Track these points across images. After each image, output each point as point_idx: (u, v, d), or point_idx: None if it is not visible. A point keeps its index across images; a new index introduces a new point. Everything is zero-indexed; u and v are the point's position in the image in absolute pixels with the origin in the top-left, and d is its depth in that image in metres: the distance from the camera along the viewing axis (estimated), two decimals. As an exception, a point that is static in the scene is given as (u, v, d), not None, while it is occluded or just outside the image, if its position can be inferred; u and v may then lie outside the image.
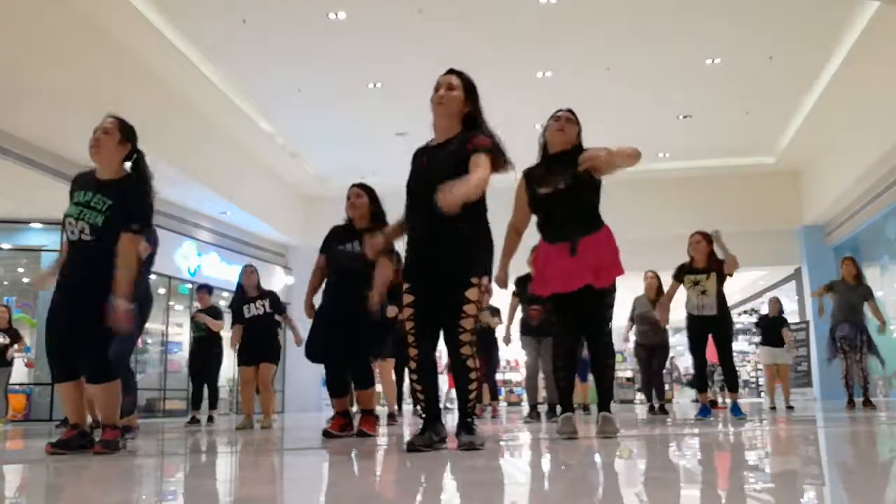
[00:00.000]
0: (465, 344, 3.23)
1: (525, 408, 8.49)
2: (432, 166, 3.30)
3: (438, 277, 3.25)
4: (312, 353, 4.72)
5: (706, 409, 6.52)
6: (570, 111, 4.03)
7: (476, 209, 3.28)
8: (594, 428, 3.94)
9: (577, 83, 11.16)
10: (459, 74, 3.40)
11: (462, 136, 3.32)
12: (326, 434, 4.55)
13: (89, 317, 3.43)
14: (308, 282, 4.91)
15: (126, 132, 3.63)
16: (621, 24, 9.86)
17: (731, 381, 6.47)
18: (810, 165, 14.76)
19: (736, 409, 6.31)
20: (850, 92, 11.46)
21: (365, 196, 4.73)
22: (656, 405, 8.16)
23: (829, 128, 12.84)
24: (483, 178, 3.14)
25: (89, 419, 4.10)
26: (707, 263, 6.39)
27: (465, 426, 3.22)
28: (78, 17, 8.91)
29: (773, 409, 9.09)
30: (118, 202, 3.50)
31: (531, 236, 4.06)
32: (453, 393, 7.96)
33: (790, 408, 9.12)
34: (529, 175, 3.98)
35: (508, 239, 4.05)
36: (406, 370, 7.05)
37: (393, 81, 11.19)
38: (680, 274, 6.51)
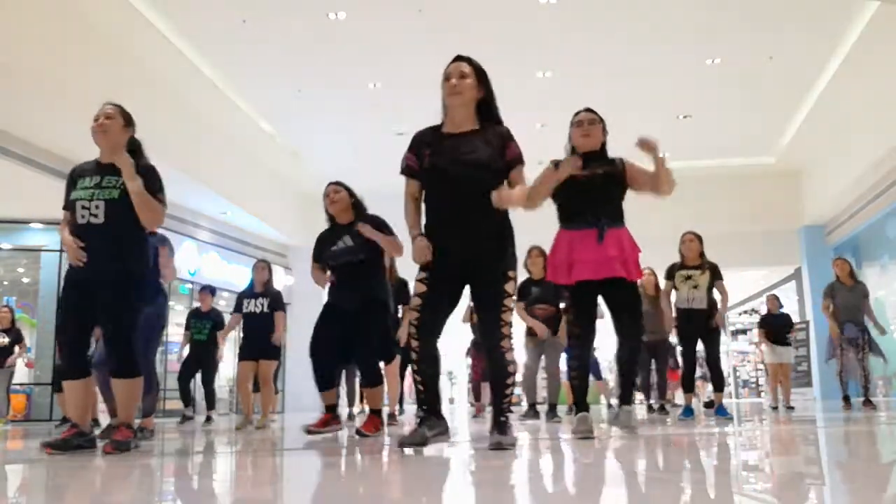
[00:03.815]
0: (505, 337, 3.20)
1: (524, 407, 8.47)
2: (465, 151, 3.23)
3: (463, 268, 3.21)
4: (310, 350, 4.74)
5: (689, 410, 6.50)
6: (588, 110, 4.01)
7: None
8: (598, 427, 3.94)
9: (577, 83, 11.15)
10: (469, 61, 3.34)
11: (495, 129, 3.32)
12: (309, 431, 4.56)
13: (107, 312, 3.45)
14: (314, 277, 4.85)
15: (127, 118, 3.70)
16: (621, 24, 9.85)
17: (717, 381, 6.41)
18: (810, 165, 14.75)
19: (721, 410, 6.29)
20: (850, 92, 11.45)
21: (343, 191, 4.77)
22: (656, 405, 8.13)
23: (829, 128, 12.83)
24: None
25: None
26: (699, 262, 6.39)
27: (499, 425, 3.16)
28: (78, 17, 8.91)
29: (775, 409, 9.09)
30: None
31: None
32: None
33: (790, 408, 9.11)
34: (559, 164, 3.94)
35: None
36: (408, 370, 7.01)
37: (393, 81, 11.19)
38: (672, 272, 6.50)
